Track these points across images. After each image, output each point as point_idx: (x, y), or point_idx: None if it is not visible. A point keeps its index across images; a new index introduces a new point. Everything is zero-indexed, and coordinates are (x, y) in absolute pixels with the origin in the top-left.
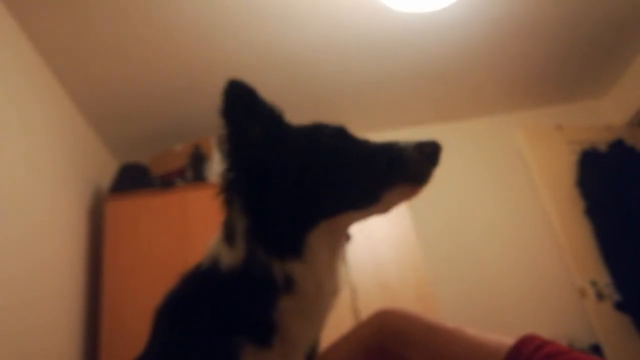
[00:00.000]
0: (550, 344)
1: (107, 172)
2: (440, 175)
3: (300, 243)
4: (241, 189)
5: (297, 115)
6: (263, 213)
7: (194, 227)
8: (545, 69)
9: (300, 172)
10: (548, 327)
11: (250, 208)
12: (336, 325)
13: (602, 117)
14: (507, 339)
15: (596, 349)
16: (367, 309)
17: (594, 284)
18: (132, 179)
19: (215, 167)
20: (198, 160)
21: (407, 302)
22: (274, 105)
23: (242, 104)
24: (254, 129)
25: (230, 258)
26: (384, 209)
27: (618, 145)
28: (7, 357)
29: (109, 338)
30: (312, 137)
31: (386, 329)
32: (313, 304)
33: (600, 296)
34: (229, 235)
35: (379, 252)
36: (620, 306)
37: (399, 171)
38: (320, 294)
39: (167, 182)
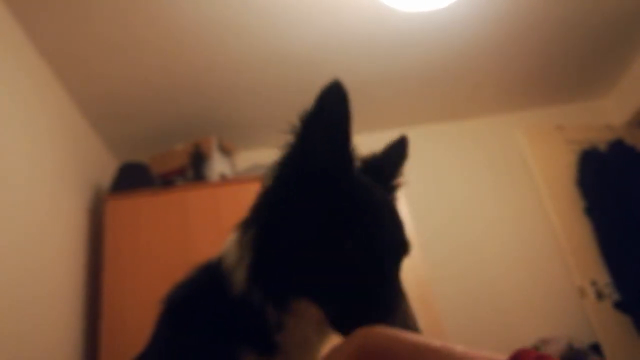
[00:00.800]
0: (546, 359)
1: (107, 172)
2: (441, 174)
3: (291, 303)
4: (264, 215)
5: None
6: (269, 259)
7: (194, 226)
8: (546, 69)
9: (334, 245)
10: (548, 326)
11: (259, 246)
12: None
13: (602, 117)
14: (498, 356)
15: (596, 349)
16: None
17: (593, 283)
18: (132, 178)
19: (216, 166)
20: (198, 160)
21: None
22: (353, 145)
23: (335, 118)
24: (325, 154)
25: (239, 269)
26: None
27: (618, 145)
28: (6, 357)
29: (109, 337)
30: (371, 220)
31: (369, 349)
32: (303, 346)
33: (600, 296)
34: (238, 241)
35: None
36: (619, 306)
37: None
38: (307, 345)
39: (167, 182)
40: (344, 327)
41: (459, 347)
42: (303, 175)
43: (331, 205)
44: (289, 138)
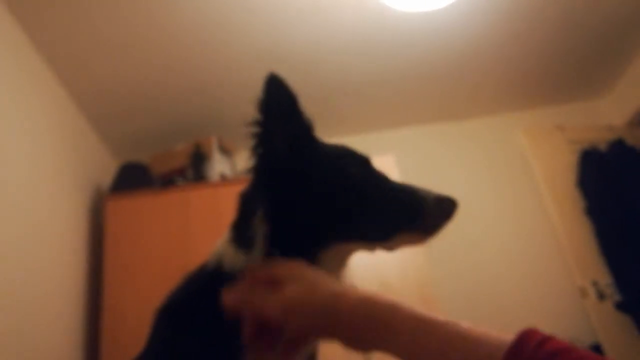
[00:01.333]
0: (552, 340)
1: (108, 172)
2: (441, 175)
3: (314, 259)
4: (264, 194)
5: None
6: (283, 224)
7: (194, 226)
8: (546, 69)
9: (324, 194)
10: (549, 326)
11: (272, 216)
12: None
13: (602, 118)
14: (504, 335)
15: (597, 349)
16: None
17: (594, 283)
18: (133, 178)
19: (216, 166)
20: (198, 160)
21: (409, 301)
22: (308, 115)
23: (281, 102)
24: (285, 132)
25: (239, 260)
26: (391, 247)
27: (618, 145)
28: (7, 356)
29: (110, 336)
30: (340, 161)
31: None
32: None
33: (601, 296)
34: (238, 237)
35: (380, 252)
36: (620, 306)
37: (416, 219)
38: None
39: (167, 181)
40: (384, 237)
41: (464, 323)
42: (278, 149)
43: (310, 163)
44: (254, 128)
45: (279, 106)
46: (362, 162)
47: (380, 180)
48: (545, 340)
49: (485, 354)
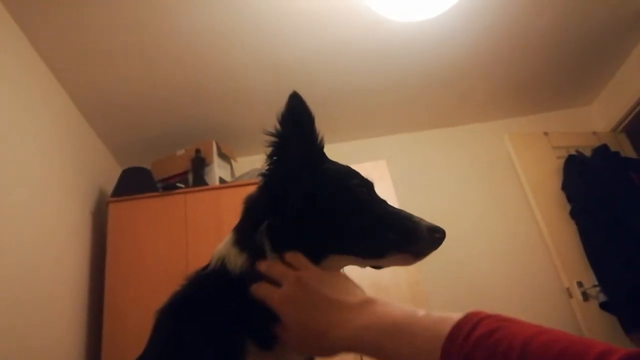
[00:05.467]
0: (485, 321)
1: (111, 177)
2: (432, 179)
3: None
4: (271, 200)
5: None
6: (286, 232)
7: (194, 229)
8: (533, 78)
9: (328, 210)
10: None
11: (276, 223)
12: None
13: (588, 125)
14: (453, 314)
15: None
16: None
17: (579, 285)
18: (135, 182)
19: (216, 171)
20: (199, 165)
21: (401, 301)
22: (321, 134)
23: (299, 118)
24: (300, 146)
25: (241, 261)
26: (383, 264)
27: (602, 150)
28: (10, 354)
29: (111, 336)
30: (346, 181)
31: None
32: None
33: (586, 296)
34: (240, 240)
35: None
36: (605, 306)
37: (410, 243)
38: None
39: (168, 186)
40: (378, 255)
41: (421, 312)
42: (290, 159)
43: (316, 178)
44: (272, 137)
45: (298, 122)
46: (366, 185)
47: (380, 204)
48: (478, 324)
49: (425, 341)
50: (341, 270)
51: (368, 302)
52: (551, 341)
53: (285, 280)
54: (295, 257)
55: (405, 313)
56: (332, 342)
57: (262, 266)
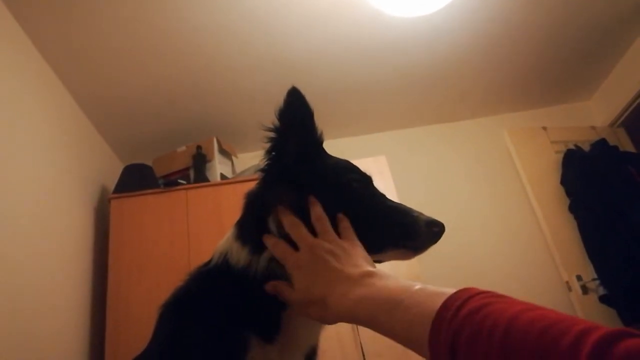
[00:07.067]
0: (475, 298)
1: (113, 173)
2: (432, 174)
3: None
4: (270, 195)
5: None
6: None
7: (195, 225)
8: (532, 73)
9: (326, 204)
10: None
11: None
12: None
13: (587, 119)
14: (447, 289)
15: None
16: None
17: (579, 278)
18: (136, 179)
19: (217, 167)
20: (200, 161)
21: None
22: (320, 129)
23: (298, 114)
24: (298, 141)
25: (243, 256)
26: (382, 259)
27: (601, 145)
28: (14, 351)
29: (114, 331)
30: (344, 175)
31: None
32: (307, 324)
33: (585, 290)
34: (242, 234)
35: None
36: (604, 300)
37: (408, 238)
38: (311, 323)
39: (170, 182)
40: (377, 250)
41: (416, 285)
42: (288, 154)
43: (316, 171)
44: (270, 133)
45: (296, 117)
46: (364, 180)
47: (379, 198)
48: (471, 297)
49: (417, 314)
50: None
51: (367, 275)
52: (536, 319)
53: (302, 244)
54: (321, 223)
55: (401, 286)
56: (330, 310)
57: (287, 221)
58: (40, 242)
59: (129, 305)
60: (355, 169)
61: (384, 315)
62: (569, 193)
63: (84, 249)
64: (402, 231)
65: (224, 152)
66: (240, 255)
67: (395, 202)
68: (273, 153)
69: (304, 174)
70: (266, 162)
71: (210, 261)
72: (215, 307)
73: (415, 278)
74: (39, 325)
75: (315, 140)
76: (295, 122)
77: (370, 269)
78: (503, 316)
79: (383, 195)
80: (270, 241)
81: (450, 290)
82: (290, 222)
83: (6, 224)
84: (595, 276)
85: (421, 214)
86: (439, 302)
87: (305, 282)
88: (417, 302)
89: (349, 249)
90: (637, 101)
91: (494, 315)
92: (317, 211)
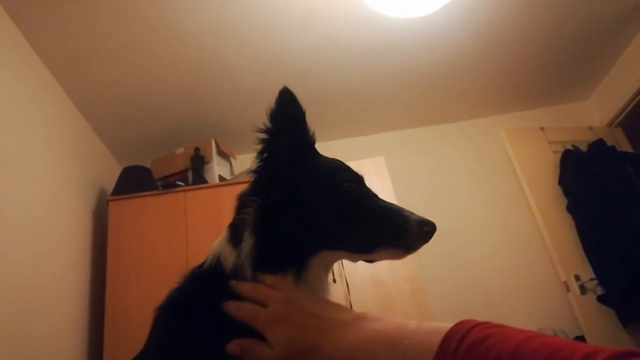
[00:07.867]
0: (475, 330)
1: (111, 175)
2: (430, 175)
3: (302, 263)
4: (261, 197)
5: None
6: (276, 228)
7: (194, 227)
8: (530, 74)
9: (318, 204)
10: (535, 319)
11: (266, 220)
12: None
13: (584, 119)
14: (444, 324)
15: (581, 340)
16: (361, 303)
17: (577, 278)
18: (135, 180)
19: (215, 168)
20: (198, 163)
21: (400, 296)
22: (311, 129)
23: (290, 114)
24: (290, 142)
25: (233, 258)
26: (374, 258)
27: (599, 145)
28: (13, 351)
29: (112, 332)
30: (336, 175)
31: None
32: None
33: (583, 290)
34: (235, 237)
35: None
36: (602, 300)
37: (399, 238)
38: None
39: (168, 184)
40: (368, 250)
41: (412, 324)
42: (279, 155)
43: (308, 172)
44: (261, 134)
45: (287, 118)
46: (356, 179)
47: (371, 198)
48: (471, 329)
49: (418, 354)
50: (333, 264)
51: (360, 319)
52: (540, 346)
53: (272, 300)
54: (279, 280)
55: (397, 326)
56: (324, 358)
57: (244, 288)
58: (38, 244)
59: (127, 307)
60: (347, 169)
61: (384, 356)
62: (566, 193)
63: (82, 250)
64: (393, 231)
65: (222, 154)
66: (231, 258)
67: (387, 202)
68: (265, 154)
69: (296, 174)
70: (258, 164)
71: (204, 263)
72: (207, 309)
73: (413, 279)
74: (38, 327)
75: (307, 141)
76: (287, 122)
77: (362, 312)
78: (507, 346)
79: (375, 195)
80: (231, 307)
81: (448, 325)
82: (249, 286)
83: (4, 226)
84: (594, 276)
85: (412, 213)
86: (438, 338)
87: (287, 336)
88: (417, 341)
89: (324, 297)
90: (635, 101)
91: (498, 346)
92: (271, 278)
